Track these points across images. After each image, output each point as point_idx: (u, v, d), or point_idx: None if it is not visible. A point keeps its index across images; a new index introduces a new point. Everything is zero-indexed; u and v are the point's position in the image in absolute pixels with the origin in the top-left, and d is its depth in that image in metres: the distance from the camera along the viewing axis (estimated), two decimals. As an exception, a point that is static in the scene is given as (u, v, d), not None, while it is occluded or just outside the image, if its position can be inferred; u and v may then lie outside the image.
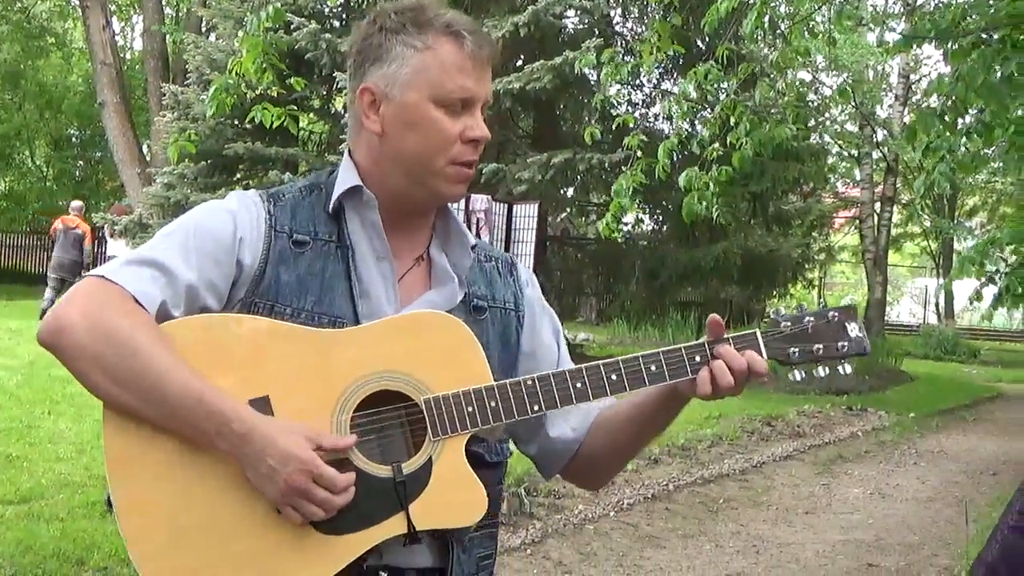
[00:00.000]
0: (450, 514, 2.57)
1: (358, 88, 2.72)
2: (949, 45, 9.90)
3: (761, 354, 2.69)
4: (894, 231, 48.42)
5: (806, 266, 38.09)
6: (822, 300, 54.01)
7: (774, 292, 33.88)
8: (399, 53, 2.66)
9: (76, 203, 27.29)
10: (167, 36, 31.47)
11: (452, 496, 2.57)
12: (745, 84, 12.02)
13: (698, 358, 2.67)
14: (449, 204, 2.84)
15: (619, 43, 22.69)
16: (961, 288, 17.57)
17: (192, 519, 2.47)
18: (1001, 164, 21.32)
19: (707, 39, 20.56)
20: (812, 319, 2.74)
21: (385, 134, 2.69)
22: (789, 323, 2.74)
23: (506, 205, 22.52)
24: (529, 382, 2.62)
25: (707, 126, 11.89)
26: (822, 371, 2.75)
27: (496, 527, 2.86)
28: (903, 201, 48.11)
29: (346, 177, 2.73)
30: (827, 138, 44.12)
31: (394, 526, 2.52)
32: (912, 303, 72.57)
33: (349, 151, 2.80)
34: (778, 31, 12.32)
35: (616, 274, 31.63)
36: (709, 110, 11.74)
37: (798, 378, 2.74)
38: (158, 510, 2.47)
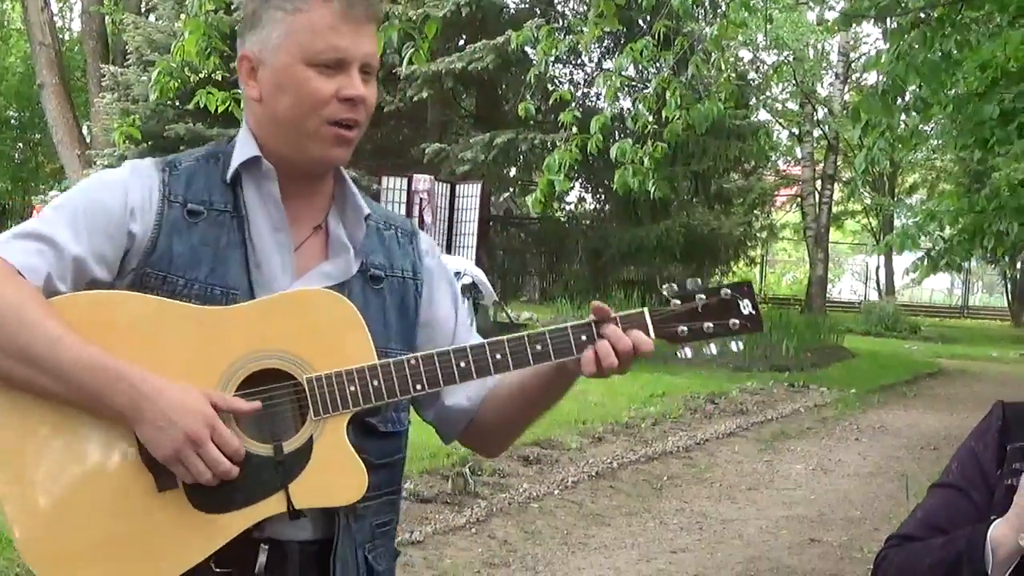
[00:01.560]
0: (330, 494, 2.56)
1: (238, 57, 2.72)
2: (888, 23, 9.95)
3: (648, 333, 2.67)
4: (835, 209, 48.67)
5: (748, 244, 38.37)
6: (763, 278, 54.43)
7: (716, 270, 34.03)
8: (271, 18, 2.64)
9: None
10: (106, 17, 31.20)
11: (332, 475, 2.55)
12: (683, 61, 12.01)
13: (584, 337, 2.66)
14: (344, 171, 2.83)
15: (561, 23, 22.69)
16: (901, 264, 17.73)
17: (73, 500, 2.46)
18: (940, 142, 21.52)
19: (648, 18, 20.60)
20: (704, 297, 2.71)
21: (263, 99, 2.67)
22: (679, 301, 2.71)
23: (449, 185, 22.53)
24: (412, 361, 2.61)
25: (642, 102, 11.90)
26: (713, 348, 2.74)
27: (397, 495, 2.86)
28: (844, 179, 48.41)
29: (244, 147, 2.71)
30: (768, 116, 44.34)
31: (274, 505, 2.51)
32: (853, 280, 73.14)
33: (246, 121, 2.78)
34: (719, 9, 12.36)
35: (559, 253, 31.70)
36: (647, 87, 11.71)
37: (688, 355, 2.73)
38: (38, 492, 2.46)
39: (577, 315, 29.54)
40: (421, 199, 21.39)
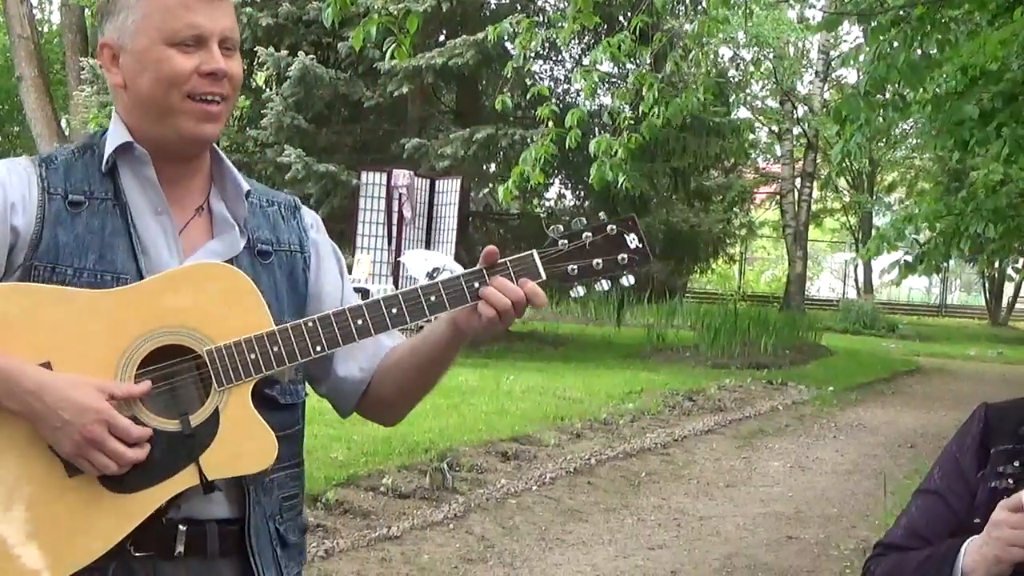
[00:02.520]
0: (241, 462, 2.57)
1: (99, 45, 2.73)
2: (871, 24, 9.97)
3: (539, 274, 2.70)
4: (814, 207, 48.77)
5: (727, 241, 38.41)
6: (742, 276, 54.52)
7: (696, 267, 34.09)
8: (126, 3, 2.65)
9: None
10: (86, 9, 31.09)
11: (241, 444, 2.56)
12: (663, 57, 12.03)
13: (476, 285, 2.67)
14: (220, 150, 2.84)
15: (542, 18, 22.71)
16: (880, 263, 17.78)
17: None
18: (919, 140, 21.58)
19: (629, 14, 20.61)
20: (590, 234, 2.74)
21: (126, 85, 2.68)
22: (567, 240, 2.73)
23: (428, 180, 22.50)
24: (310, 323, 2.63)
25: (620, 96, 11.90)
26: (605, 284, 2.76)
27: (300, 467, 2.88)
28: (823, 177, 48.58)
29: (116, 134, 2.70)
30: (748, 113, 44.39)
31: (187, 479, 2.51)
32: (832, 278, 73.36)
33: (116, 110, 2.78)
34: (699, 5, 12.38)
35: (539, 249, 31.68)
36: (625, 83, 11.74)
37: (581, 293, 2.76)
38: None
39: (556, 312, 29.65)
40: (400, 194, 21.35)
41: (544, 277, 2.71)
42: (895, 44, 9.32)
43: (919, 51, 9.20)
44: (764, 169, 51.03)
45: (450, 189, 22.39)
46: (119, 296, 2.56)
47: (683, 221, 30.36)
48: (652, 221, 27.93)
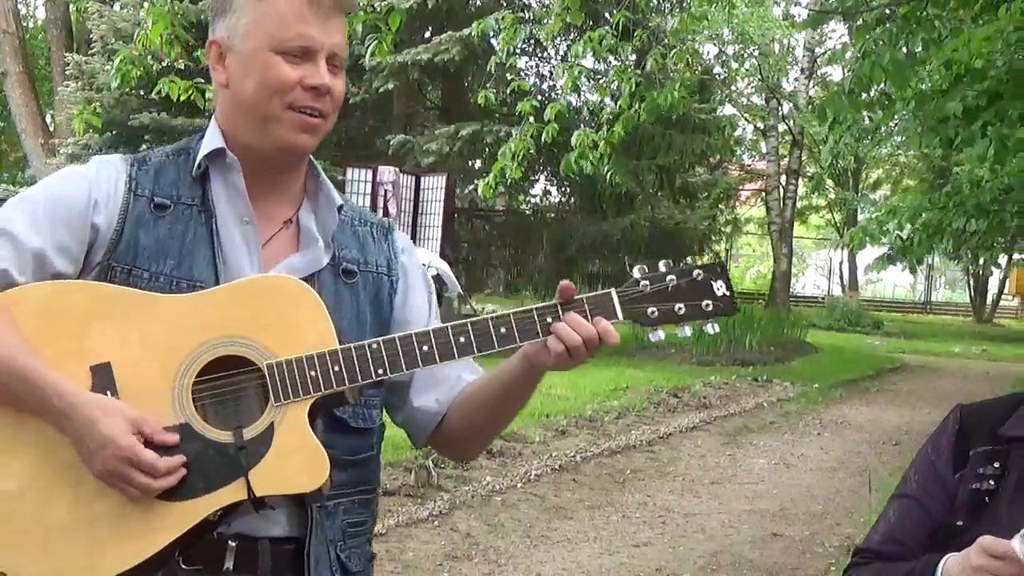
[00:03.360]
0: (291, 480, 2.52)
1: (208, 43, 2.71)
2: (856, 22, 9.98)
3: (616, 314, 2.62)
4: (799, 204, 48.81)
5: (713, 238, 38.43)
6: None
7: (681, 263, 34.04)
8: (239, 4, 2.64)
9: None
10: (71, 5, 31.02)
11: (293, 462, 2.51)
12: (645, 54, 12.03)
13: (549, 320, 2.59)
14: (317, 165, 2.81)
15: (527, 15, 22.73)
16: (864, 260, 17.81)
17: (21, 485, 2.43)
18: (904, 138, 21.61)
19: (613, 11, 20.63)
20: (674, 278, 2.66)
21: (229, 85, 2.66)
22: (648, 282, 2.66)
23: (414, 177, 22.50)
24: (374, 345, 2.57)
25: (600, 91, 11.92)
26: (687, 330, 2.68)
27: (372, 495, 2.81)
28: (808, 174, 48.57)
29: (210, 140, 2.69)
30: (733, 111, 44.44)
31: (234, 492, 2.47)
32: (817, 275, 73.46)
33: (215, 114, 2.76)
34: (684, 2, 12.40)
35: (524, 246, 31.69)
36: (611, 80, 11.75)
37: (660, 336, 2.66)
38: None
39: (542, 308, 29.58)
40: (386, 191, 21.34)
41: (621, 317, 2.63)
42: (880, 43, 9.33)
43: (904, 49, 9.20)
44: (749, 166, 51.10)
45: (436, 186, 22.40)
46: (185, 301, 2.54)
47: (668, 218, 30.39)
48: (637, 218, 27.99)
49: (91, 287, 2.53)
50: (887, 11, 9.61)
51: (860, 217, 47.21)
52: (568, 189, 31.93)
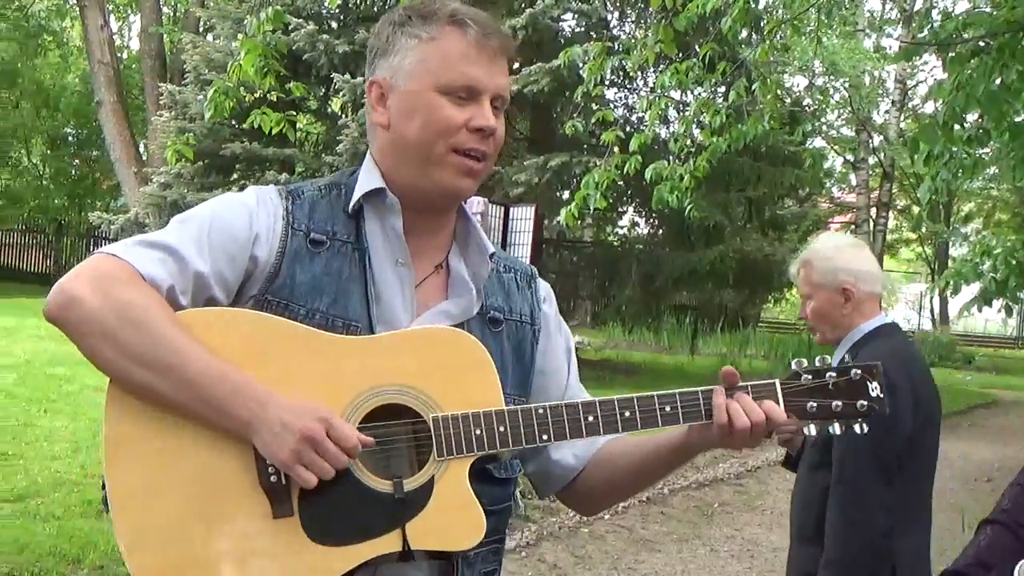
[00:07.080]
0: (448, 537, 2.53)
1: (368, 83, 2.71)
2: (949, 54, 9.90)
3: (778, 403, 2.64)
4: (889, 237, 48.40)
5: (801, 271, 38.08)
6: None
7: (769, 297, 33.86)
8: (404, 44, 2.65)
9: None
10: (165, 36, 31.40)
11: (451, 518, 2.53)
12: (731, 85, 11.97)
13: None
14: (468, 210, 2.81)
15: (616, 46, 22.77)
16: (958, 296, 17.59)
17: (186, 513, 2.44)
18: (997, 170, 21.38)
19: (702, 42, 20.58)
20: (833, 375, 2.66)
21: (391, 126, 2.67)
22: (810, 376, 2.67)
23: (502, 207, 22.50)
24: (541, 411, 2.58)
25: (683, 123, 11.90)
26: (837, 427, 2.66)
27: (502, 543, 2.84)
28: (899, 207, 48.16)
29: (368, 178, 2.70)
30: (823, 143, 44.16)
31: (389, 543, 2.49)
32: (907, 309, 72.63)
33: (371, 152, 2.77)
34: (779, 36, 12.33)
35: (612, 277, 31.57)
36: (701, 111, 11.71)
37: (813, 432, 2.65)
38: (153, 500, 2.44)
39: (629, 340, 29.54)
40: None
41: (782, 408, 2.65)
42: (974, 75, 9.25)
43: (999, 81, 9.12)
44: (839, 198, 50.71)
45: (524, 216, 22.36)
46: (352, 344, 2.55)
47: (757, 250, 30.17)
48: (726, 250, 27.83)
49: (261, 318, 2.55)
50: (980, 43, 9.53)
51: (952, 251, 46.79)
52: (656, 220, 31.80)
